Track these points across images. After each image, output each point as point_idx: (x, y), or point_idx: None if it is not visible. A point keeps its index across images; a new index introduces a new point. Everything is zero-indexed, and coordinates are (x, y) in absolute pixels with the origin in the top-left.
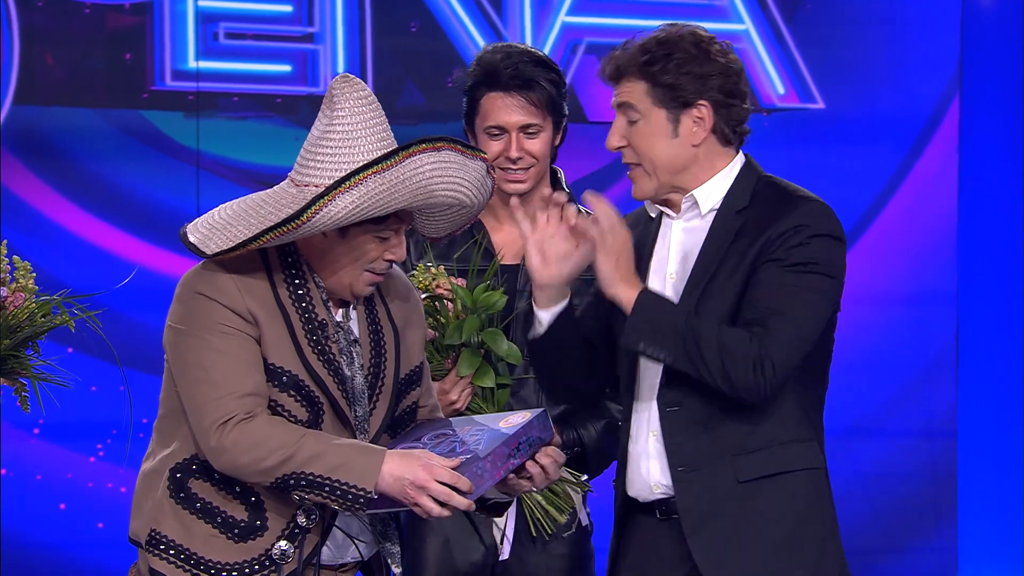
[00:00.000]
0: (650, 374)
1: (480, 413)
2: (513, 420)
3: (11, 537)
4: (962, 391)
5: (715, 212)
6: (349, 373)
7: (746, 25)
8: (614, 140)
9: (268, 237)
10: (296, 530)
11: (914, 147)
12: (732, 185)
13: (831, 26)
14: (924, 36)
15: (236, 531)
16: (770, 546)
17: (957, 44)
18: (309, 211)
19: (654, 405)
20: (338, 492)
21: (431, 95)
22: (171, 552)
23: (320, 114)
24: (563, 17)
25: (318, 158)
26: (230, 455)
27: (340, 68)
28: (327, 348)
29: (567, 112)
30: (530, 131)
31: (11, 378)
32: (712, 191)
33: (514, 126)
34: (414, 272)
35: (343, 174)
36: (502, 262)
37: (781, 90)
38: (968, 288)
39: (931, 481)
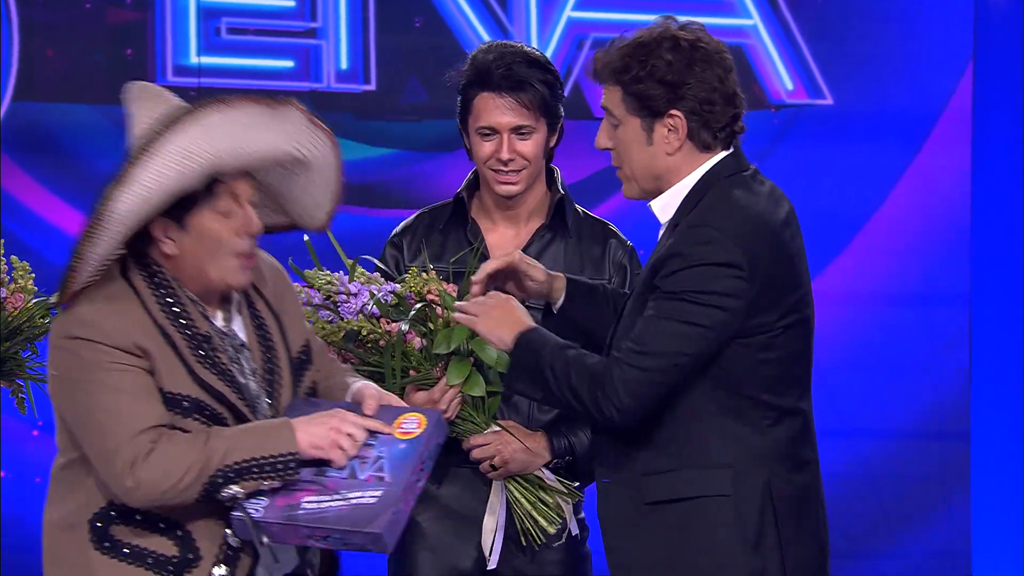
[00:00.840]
0: None
1: (471, 421)
2: (408, 426)
3: (11, 538)
4: (975, 390)
5: (667, 224)
6: (243, 380)
7: (754, 20)
8: (601, 141)
9: (81, 263)
10: (230, 552)
11: (925, 144)
12: (686, 197)
13: (840, 21)
14: (935, 31)
15: (171, 568)
16: (663, 571)
17: (970, 39)
18: (98, 216)
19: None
20: (267, 467)
21: (434, 92)
22: None
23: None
24: (568, 12)
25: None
26: (147, 489)
27: (343, 64)
28: (217, 360)
29: (563, 113)
30: (522, 132)
31: (8, 379)
32: (669, 202)
33: (505, 127)
34: (405, 276)
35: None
36: None
37: (790, 86)
38: (980, 287)
39: (941, 482)
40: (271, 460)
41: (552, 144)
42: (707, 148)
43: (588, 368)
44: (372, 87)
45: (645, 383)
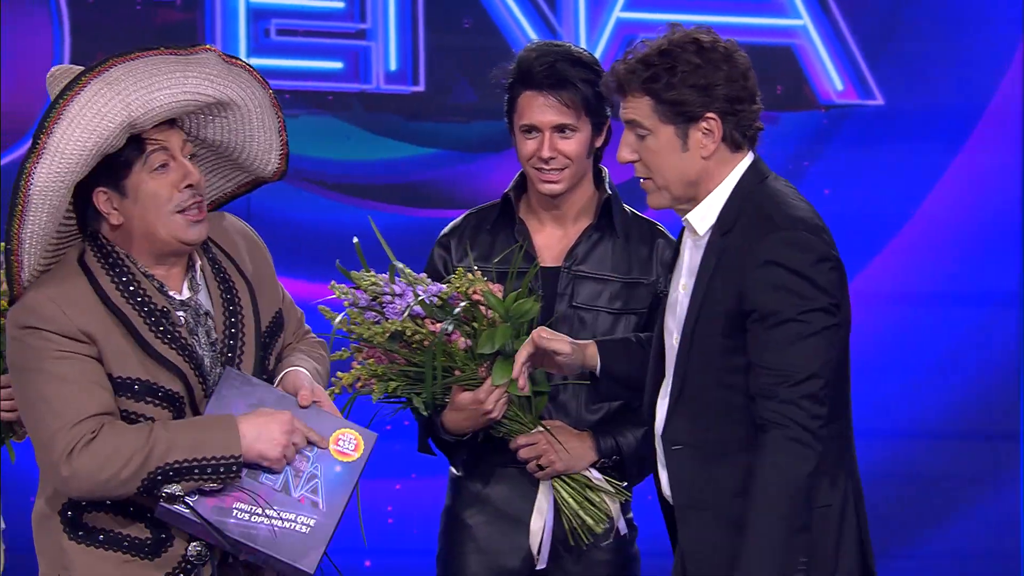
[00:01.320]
0: (662, 405)
1: (516, 421)
2: (345, 446)
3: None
4: None
5: (708, 234)
6: (200, 352)
7: (804, 20)
8: (625, 154)
9: (16, 245)
10: None
11: (970, 140)
12: (726, 202)
13: (889, 20)
14: (985, 29)
15: (146, 549)
16: None
17: (1020, 36)
18: (20, 193)
19: (660, 441)
20: (208, 469)
21: (483, 92)
22: None
23: None
24: (617, 13)
25: None
26: (83, 479)
27: (392, 65)
28: (177, 335)
29: (610, 113)
30: (564, 131)
31: None
32: (707, 212)
33: (547, 125)
34: (452, 276)
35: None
36: (543, 264)
37: (840, 86)
38: None
39: (993, 484)
40: (213, 462)
41: (599, 144)
42: (738, 148)
43: (768, 471)
44: (421, 88)
45: (825, 402)
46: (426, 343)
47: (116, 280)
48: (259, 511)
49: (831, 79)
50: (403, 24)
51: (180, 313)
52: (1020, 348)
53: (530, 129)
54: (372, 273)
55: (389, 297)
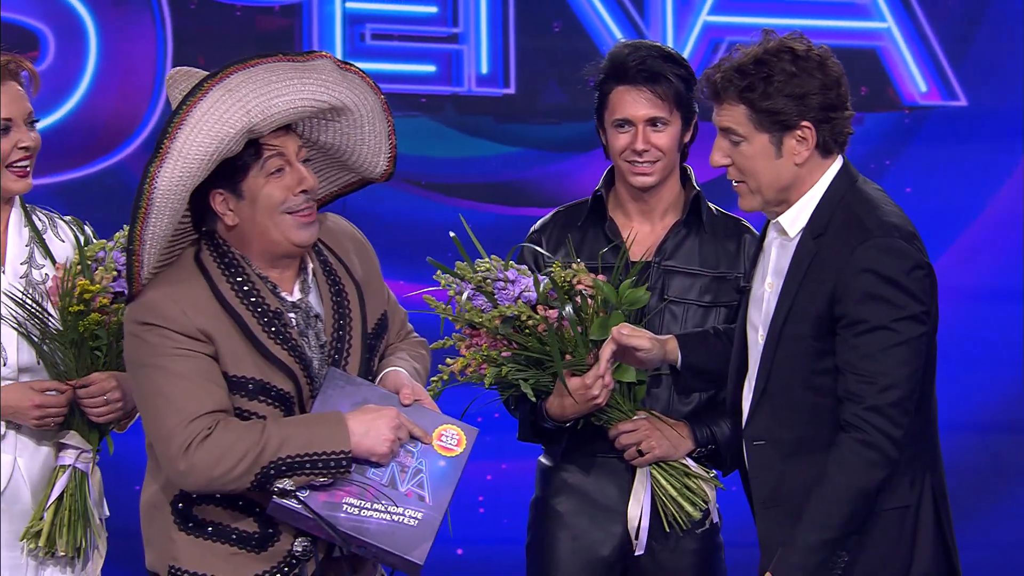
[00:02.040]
0: (747, 400)
1: (618, 409)
2: (448, 441)
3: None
4: None
5: (800, 235)
6: (310, 354)
7: (888, 23)
8: (718, 158)
9: (139, 244)
10: None
11: None
12: (818, 205)
13: (971, 22)
14: None
15: (253, 543)
16: None
17: None
18: (143, 195)
19: (743, 435)
20: (320, 464)
21: (573, 94)
22: None
23: None
24: (705, 16)
25: None
26: (200, 474)
27: (484, 68)
28: (288, 336)
29: (697, 109)
30: (657, 124)
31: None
32: (798, 215)
33: (640, 119)
34: (551, 269)
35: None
36: (631, 259)
37: (923, 88)
38: None
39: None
40: (323, 457)
41: (687, 140)
42: (829, 153)
43: (842, 470)
44: (512, 90)
45: (909, 411)
46: (540, 328)
47: (231, 280)
48: (368, 505)
49: (915, 81)
50: (494, 28)
51: (291, 315)
52: None
53: (624, 123)
54: (487, 259)
55: (502, 283)
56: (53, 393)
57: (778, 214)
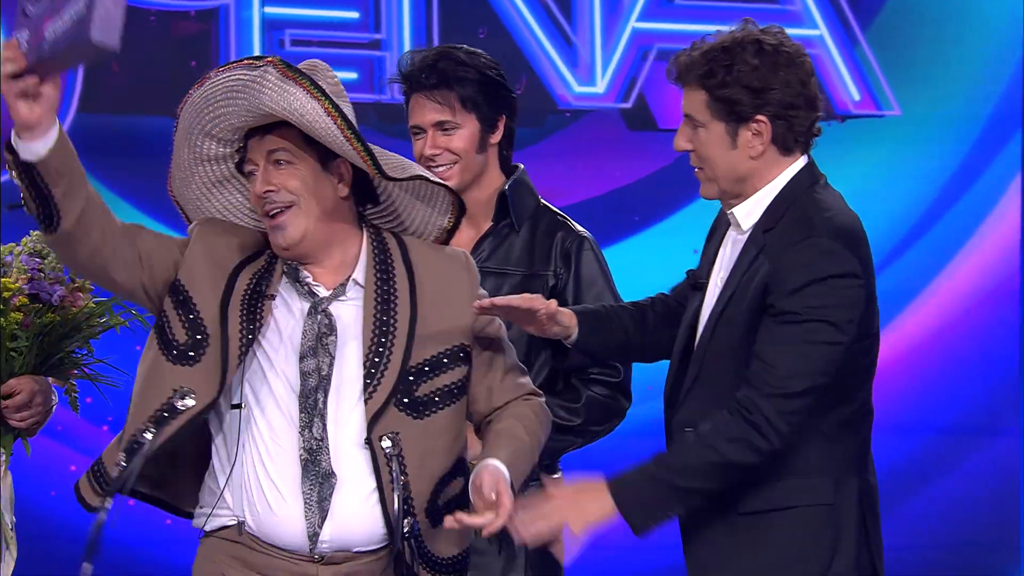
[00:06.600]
0: (672, 388)
1: None
2: None
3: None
4: None
5: (751, 230)
6: (324, 368)
7: (820, 31)
8: (680, 142)
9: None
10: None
11: (974, 144)
12: (773, 202)
13: (909, 31)
14: (987, 32)
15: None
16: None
17: (1020, 38)
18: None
19: (673, 422)
20: None
21: None
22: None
23: None
24: (633, 23)
25: None
26: None
27: None
28: (258, 314)
29: (508, 107)
30: (445, 128)
31: (64, 378)
32: (752, 209)
33: (428, 124)
34: None
35: None
36: None
37: (856, 96)
38: None
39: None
40: None
41: (494, 140)
42: (789, 152)
43: (717, 435)
44: None
45: (800, 409)
46: None
47: (259, 262)
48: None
49: (848, 89)
50: (417, 33)
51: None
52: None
53: (417, 129)
54: None
55: None
56: None
57: (732, 206)
